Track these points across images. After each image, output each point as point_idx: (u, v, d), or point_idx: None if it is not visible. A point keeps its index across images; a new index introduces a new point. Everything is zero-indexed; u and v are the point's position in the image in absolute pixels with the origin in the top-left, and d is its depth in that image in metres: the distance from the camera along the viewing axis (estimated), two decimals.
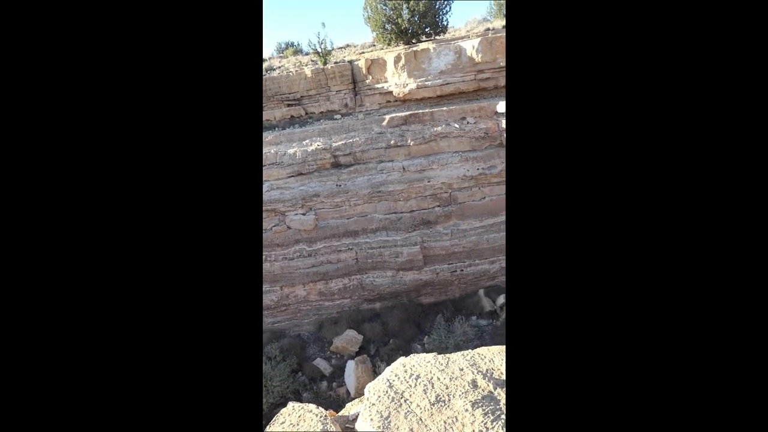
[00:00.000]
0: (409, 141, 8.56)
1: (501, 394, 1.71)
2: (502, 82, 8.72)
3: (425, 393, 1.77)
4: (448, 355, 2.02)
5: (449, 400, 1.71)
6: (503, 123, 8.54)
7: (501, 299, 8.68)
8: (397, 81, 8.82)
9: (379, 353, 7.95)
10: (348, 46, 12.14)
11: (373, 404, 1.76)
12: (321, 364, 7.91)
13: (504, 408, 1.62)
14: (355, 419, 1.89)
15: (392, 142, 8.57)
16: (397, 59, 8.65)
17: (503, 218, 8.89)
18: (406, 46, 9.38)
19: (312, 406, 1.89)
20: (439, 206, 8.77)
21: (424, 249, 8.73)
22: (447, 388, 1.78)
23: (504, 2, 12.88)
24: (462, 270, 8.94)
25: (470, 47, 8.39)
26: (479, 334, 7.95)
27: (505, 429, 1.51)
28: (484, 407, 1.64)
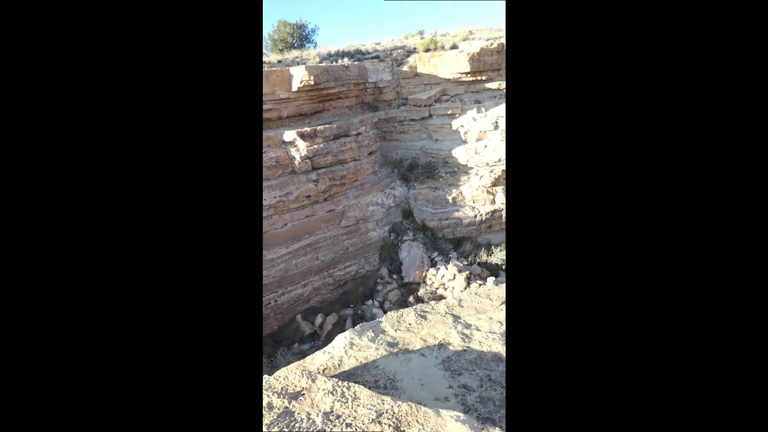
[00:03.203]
0: None
1: (295, 405, 1.80)
2: (285, 113, 9.16)
3: None
4: None
5: None
6: (292, 151, 8.95)
7: (318, 319, 8.95)
8: None
9: None
10: None
11: None
12: None
13: (298, 416, 1.71)
14: None
15: None
16: None
17: (308, 241, 9.25)
18: None
19: None
20: None
21: None
22: None
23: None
24: (276, 300, 8.77)
25: None
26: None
27: None
28: (279, 424, 1.68)
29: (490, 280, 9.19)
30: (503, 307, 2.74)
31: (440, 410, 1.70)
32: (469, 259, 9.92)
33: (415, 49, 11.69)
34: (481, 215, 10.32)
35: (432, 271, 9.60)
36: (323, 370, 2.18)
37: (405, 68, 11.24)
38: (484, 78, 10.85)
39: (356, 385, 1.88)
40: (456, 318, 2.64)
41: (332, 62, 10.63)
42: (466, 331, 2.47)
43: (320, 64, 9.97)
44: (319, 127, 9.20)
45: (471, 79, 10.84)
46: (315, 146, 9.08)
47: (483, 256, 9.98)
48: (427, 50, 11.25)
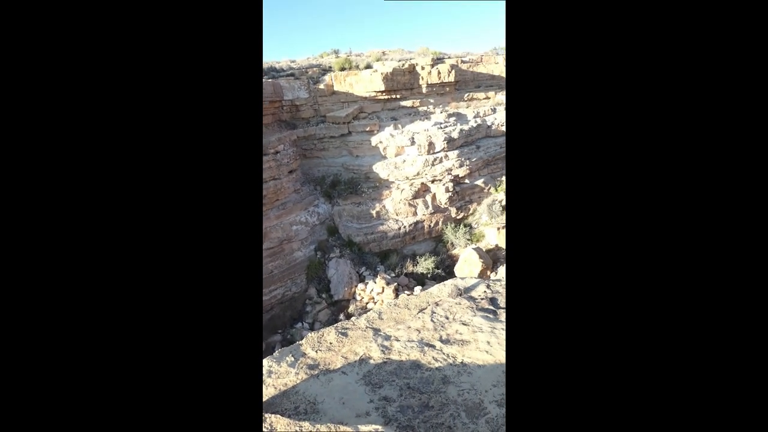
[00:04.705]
0: None
1: None
2: None
3: None
4: None
5: None
6: None
7: None
8: None
9: None
10: None
11: None
12: None
13: None
14: None
15: None
16: None
17: None
18: None
19: None
20: None
21: None
22: None
23: None
24: None
25: None
26: None
27: None
28: None
29: (417, 289, 9.49)
30: (420, 315, 2.85)
31: (360, 427, 1.70)
32: (396, 271, 10.14)
33: (330, 67, 11.85)
34: (404, 227, 10.67)
35: (361, 286, 9.62)
36: None
37: (321, 86, 11.32)
38: (398, 96, 11.38)
39: (273, 415, 1.80)
40: (376, 331, 2.67)
41: None
42: (386, 343, 2.51)
43: None
44: None
45: (386, 97, 11.28)
46: None
47: (409, 267, 10.28)
48: (342, 69, 11.49)
